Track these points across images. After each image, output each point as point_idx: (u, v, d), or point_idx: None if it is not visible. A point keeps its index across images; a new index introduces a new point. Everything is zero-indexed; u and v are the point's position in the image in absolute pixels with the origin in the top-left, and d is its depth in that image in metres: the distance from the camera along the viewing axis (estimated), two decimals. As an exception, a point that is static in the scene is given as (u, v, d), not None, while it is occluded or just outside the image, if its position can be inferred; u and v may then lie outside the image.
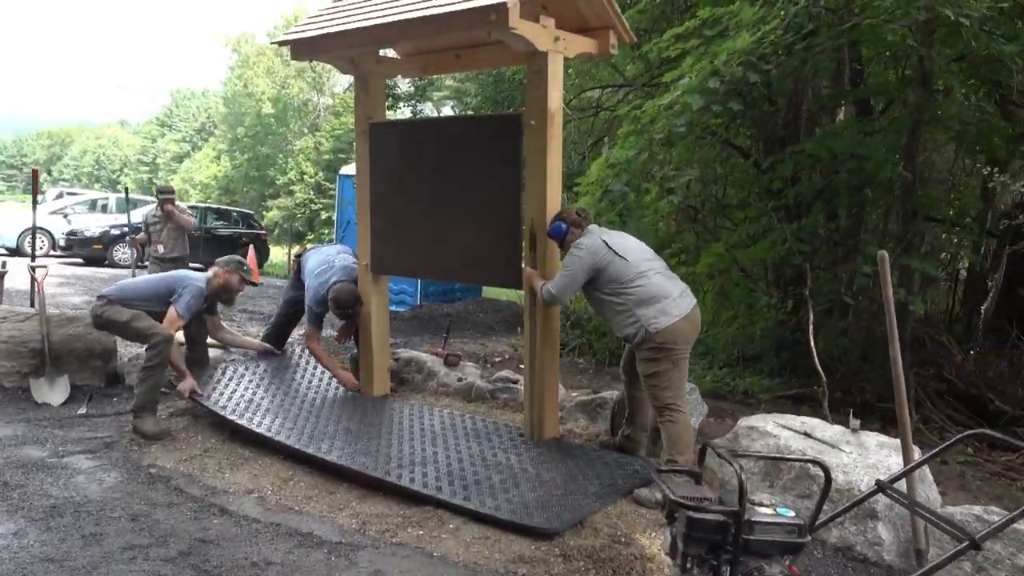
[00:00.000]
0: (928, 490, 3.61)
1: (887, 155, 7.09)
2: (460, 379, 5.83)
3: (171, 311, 5.03)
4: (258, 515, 3.72)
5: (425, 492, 3.81)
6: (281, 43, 4.92)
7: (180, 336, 6.42)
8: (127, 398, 5.71)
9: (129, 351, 6.88)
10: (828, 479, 2.39)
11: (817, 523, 2.45)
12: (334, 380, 5.57)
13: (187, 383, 5.09)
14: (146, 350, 4.99)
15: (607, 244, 4.11)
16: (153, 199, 8.62)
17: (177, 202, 8.24)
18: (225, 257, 5.41)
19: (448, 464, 4.17)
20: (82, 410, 5.38)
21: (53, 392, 5.55)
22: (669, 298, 3.97)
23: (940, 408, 6.57)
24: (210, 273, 5.30)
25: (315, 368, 5.73)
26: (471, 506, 3.65)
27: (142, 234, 8.26)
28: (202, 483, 4.12)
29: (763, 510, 2.31)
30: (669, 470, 2.64)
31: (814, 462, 2.50)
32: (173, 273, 5.54)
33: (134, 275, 7.62)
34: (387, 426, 4.77)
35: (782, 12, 5.80)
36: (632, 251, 4.15)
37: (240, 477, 4.22)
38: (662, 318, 3.89)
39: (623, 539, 3.41)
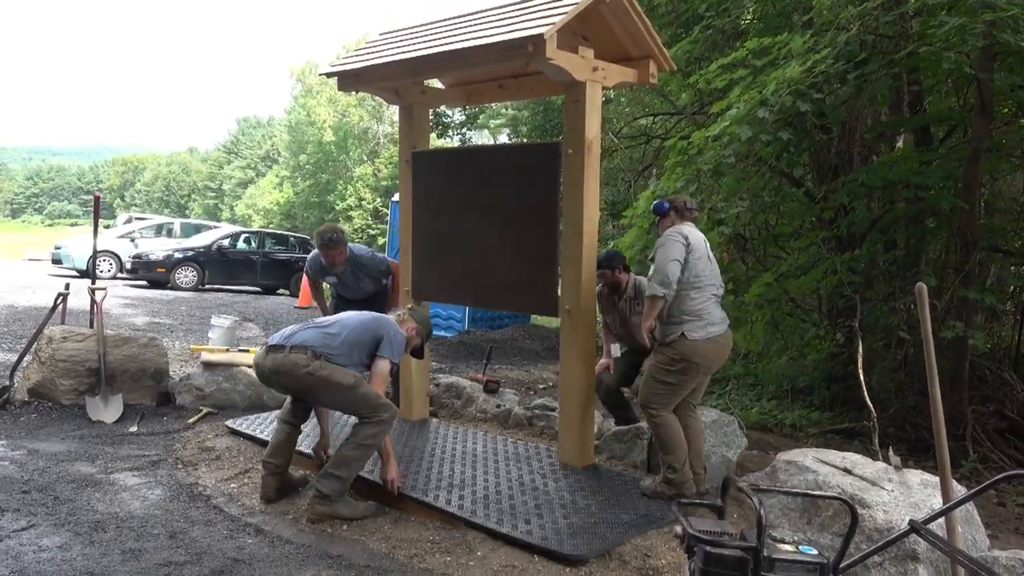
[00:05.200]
0: (975, 532, 3.46)
1: (946, 184, 6.90)
2: (499, 406, 5.84)
3: (383, 364, 4.08)
4: (291, 536, 3.77)
5: (460, 515, 3.83)
6: (328, 75, 5.06)
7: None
8: (176, 417, 5.88)
9: (182, 371, 7.09)
10: (854, 517, 2.32)
11: (843, 563, 2.37)
12: None
13: (392, 469, 4.13)
14: (364, 425, 3.97)
15: (702, 242, 4.19)
16: (217, 224, 8.82)
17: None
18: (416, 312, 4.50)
19: (485, 487, 4.21)
20: (133, 428, 5.55)
21: (107, 410, 5.74)
22: (716, 322, 4.13)
23: (1000, 447, 6.30)
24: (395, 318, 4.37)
25: None
26: (504, 530, 3.67)
27: None
28: (240, 503, 4.20)
29: (784, 547, 2.25)
30: (691, 503, 2.60)
31: (839, 499, 2.42)
32: (366, 315, 4.31)
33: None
34: (428, 448, 4.83)
35: (833, 40, 5.74)
36: (708, 262, 4.22)
37: (277, 498, 4.28)
38: (703, 331, 4.06)
39: (651, 573, 3.36)
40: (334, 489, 3.92)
